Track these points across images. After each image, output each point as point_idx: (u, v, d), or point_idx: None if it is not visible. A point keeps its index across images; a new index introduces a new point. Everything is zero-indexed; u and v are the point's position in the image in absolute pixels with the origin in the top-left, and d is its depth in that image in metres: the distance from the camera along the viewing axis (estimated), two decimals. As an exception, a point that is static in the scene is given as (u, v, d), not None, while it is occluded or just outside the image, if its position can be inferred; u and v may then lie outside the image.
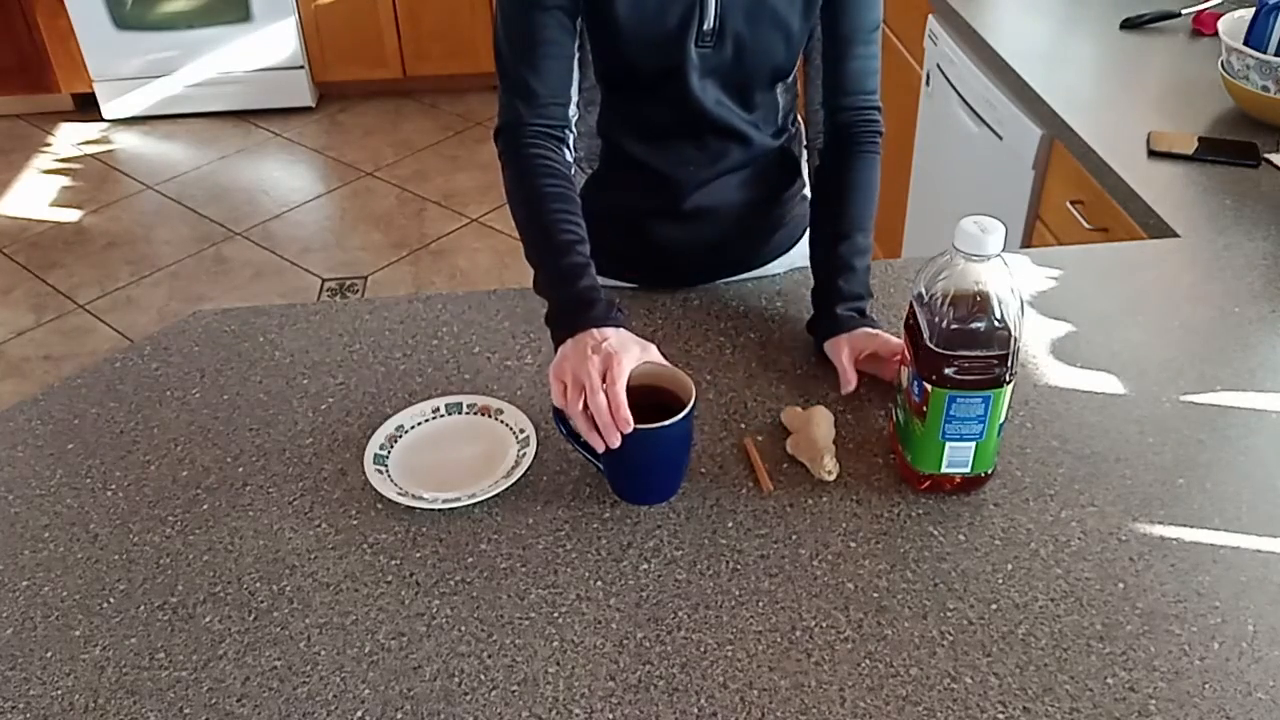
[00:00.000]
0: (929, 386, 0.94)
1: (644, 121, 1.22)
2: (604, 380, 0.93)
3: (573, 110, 1.16)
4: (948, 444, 0.97)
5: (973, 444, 0.97)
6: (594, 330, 0.99)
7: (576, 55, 1.15)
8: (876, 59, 1.21)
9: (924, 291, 0.94)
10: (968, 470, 0.99)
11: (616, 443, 0.93)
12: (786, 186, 1.34)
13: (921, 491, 1.01)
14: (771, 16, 1.13)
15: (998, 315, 0.91)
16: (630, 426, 0.92)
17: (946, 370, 0.93)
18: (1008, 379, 0.94)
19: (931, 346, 0.93)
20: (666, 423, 0.94)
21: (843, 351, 1.11)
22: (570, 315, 1.01)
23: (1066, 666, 0.86)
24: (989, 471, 1.01)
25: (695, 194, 1.27)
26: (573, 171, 1.15)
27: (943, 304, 0.92)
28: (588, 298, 1.02)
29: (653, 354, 1.00)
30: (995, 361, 0.92)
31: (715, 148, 1.24)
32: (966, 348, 0.92)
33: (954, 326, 0.91)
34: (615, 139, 1.25)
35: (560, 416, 0.99)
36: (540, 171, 1.11)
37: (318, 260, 3.24)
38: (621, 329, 1.01)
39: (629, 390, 0.94)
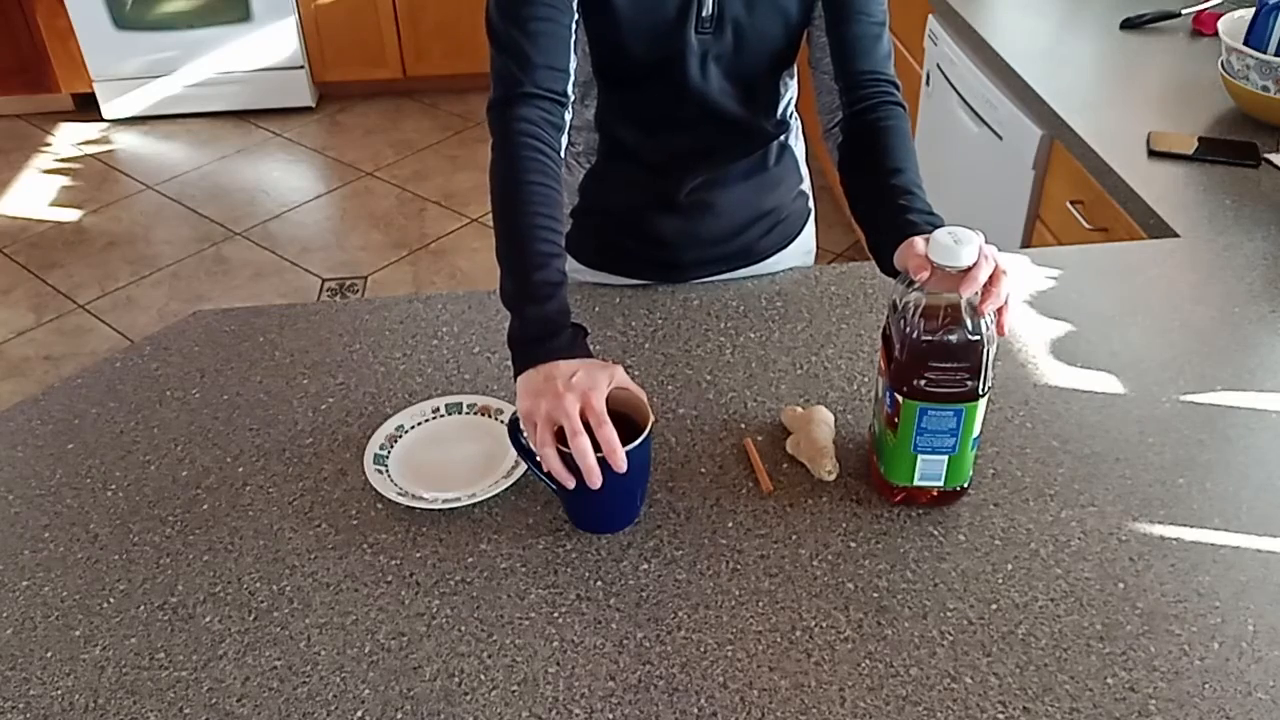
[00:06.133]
0: (900, 398, 0.93)
1: (643, 112, 1.22)
2: (581, 416, 0.89)
3: (570, 89, 1.10)
4: (920, 457, 0.96)
5: (945, 458, 0.96)
6: (559, 364, 0.93)
7: (573, 35, 1.09)
8: (883, 39, 1.14)
9: (898, 301, 0.93)
10: (941, 484, 0.98)
11: (599, 483, 0.89)
12: (785, 179, 1.34)
13: (896, 504, 1.00)
14: (770, 1, 1.12)
15: (970, 328, 0.89)
16: (625, 466, 0.88)
17: (917, 382, 0.91)
18: (981, 392, 0.92)
19: (902, 358, 0.91)
20: (628, 447, 0.89)
21: (917, 244, 0.92)
22: (533, 342, 0.95)
23: (1066, 666, 0.86)
24: (964, 486, 1.00)
25: (694, 185, 1.26)
26: (563, 165, 1.09)
27: (915, 314, 0.90)
28: (554, 324, 0.96)
29: (619, 377, 0.95)
30: (967, 375, 0.90)
31: (714, 137, 1.23)
32: (938, 360, 0.90)
33: (925, 338, 0.90)
34: (613, 131, 1.24)
35: (517, 435, 0.97)
36: (529, 165, 1.03)
37: (318, 260, 3.24)
38: (587, 358, 0.96)
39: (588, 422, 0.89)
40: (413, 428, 1.09)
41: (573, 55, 1.09)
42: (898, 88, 1.15)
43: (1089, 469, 1.04)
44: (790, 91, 1.27)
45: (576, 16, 1.09)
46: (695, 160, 1.25)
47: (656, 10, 1.11)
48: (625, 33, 1.12)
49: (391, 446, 1.07)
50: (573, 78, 1.10)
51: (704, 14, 1.11)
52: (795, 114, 1.32)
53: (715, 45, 1.14)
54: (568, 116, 1.10)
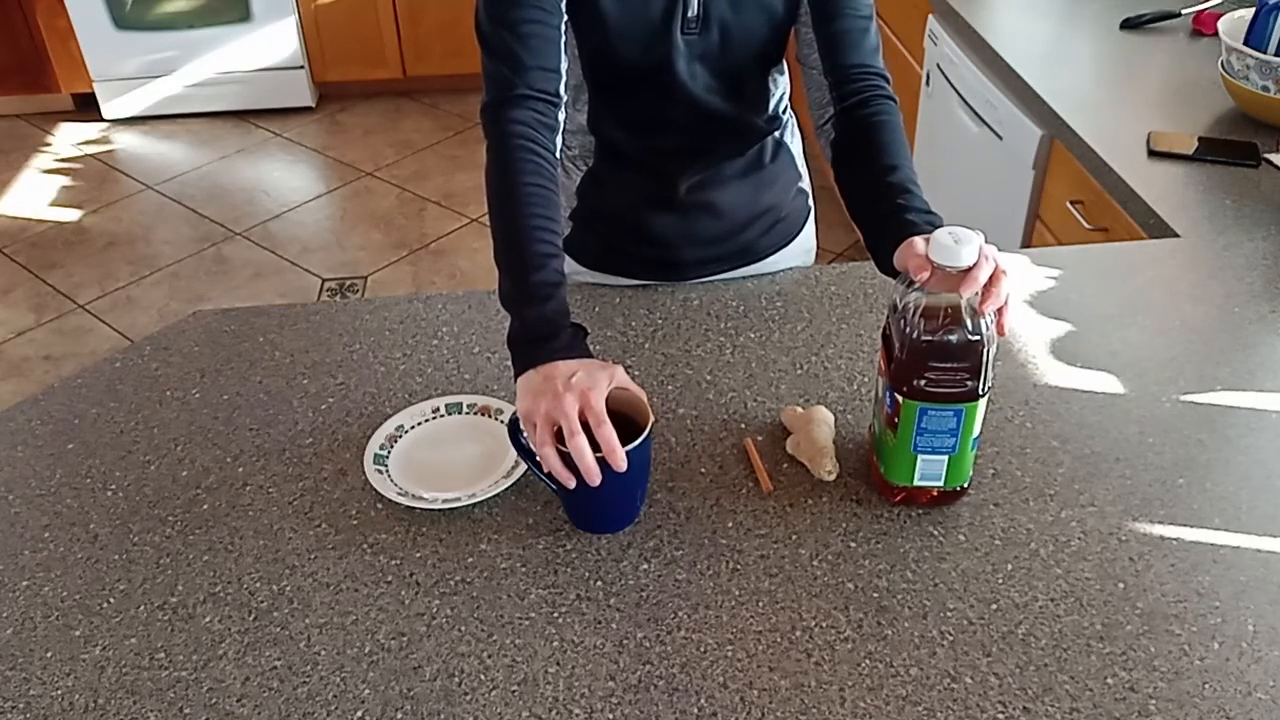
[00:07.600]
0: (900, 398, 0.93)
1: (634, 113, 1.22)
2: (581, 417, 0.89)
3: (563, 89, 1.10)
4: (920, 457, 0.96)
5: (945, 458, 0.96)
6: (559, 364, 0.93)
7: (563, 36, 1.09)
8: (870, 32, 1.14)
9: (898, 301, 0.93)
10: (941, 484, 0.98)
11: (598, 482, 0.89)
12: (782, 176, 1.34)
13: (896, 504, 1.00)
14: (755, 0, 1.13)
15: (970, 328, 0.89)
16: (625, 465, 0.88)
17: (917, 382, 0.91)
18: (981, 392, 0.92)
19: (902, 358, 0.91)
20: (628, 447, 0.89)
21: (916, 244, 0.92)
22: (533, 344, 0.96)
23: (1066, 666, 0.86)
24: (964, 486, 1.00)
25: (691, 184, 1.27)
26: (558, 165, 1.09)
27: (915, 314, 0.90)
28: (554, 325, 0.96)
29: (619, 377, 0.95)
30: (967, 375, 0.90)
31: (706, 136, 1.23)
32: (938, 360, 0.90)
33: (925, 338, 0.90)
34: (606, 134, 1.24)
35: (517, 435, 0.97)
36: (524, 167, 1.04)
37: (318, 260, 3.24)
38: (586, 358, 0.96)
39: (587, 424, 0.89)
40: (413, 428, 1.09)
41: (563, 55, 1.09)
42: (888, 80, 1.15)
43: (1089, 469, 1.04)
44: (781, 87, 1.27)
45: (565, 17, 1.09)
46: (690, 159, 1.25)
47: (642, 13, 1.11)
48: (612, 35, 1.12)
49: (391, 446, 1.07)
50: (564, 78, 1.10)
51: (689, 14, 1.12)
52: (790, 110, 1.33)
53: (701, 45, 1.14)
54: (561, 117, 1.10)
